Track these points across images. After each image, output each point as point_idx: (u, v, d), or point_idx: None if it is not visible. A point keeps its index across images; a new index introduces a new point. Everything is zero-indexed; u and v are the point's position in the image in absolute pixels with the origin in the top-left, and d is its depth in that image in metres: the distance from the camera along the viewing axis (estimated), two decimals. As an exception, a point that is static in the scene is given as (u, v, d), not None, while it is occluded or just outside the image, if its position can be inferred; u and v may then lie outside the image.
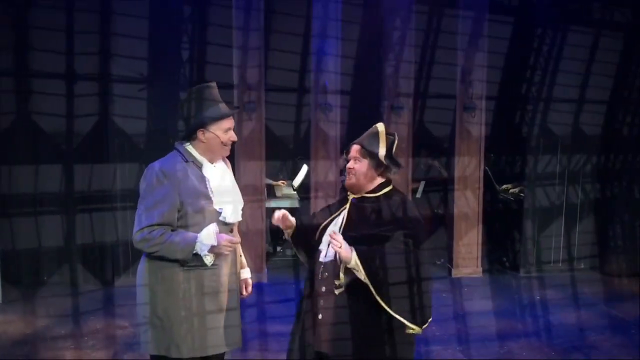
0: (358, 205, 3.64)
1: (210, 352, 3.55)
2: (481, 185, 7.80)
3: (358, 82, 8.06)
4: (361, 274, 3.41)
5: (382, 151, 3.60)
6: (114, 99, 7.05)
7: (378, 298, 3.40)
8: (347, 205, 3.67)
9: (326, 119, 7.43)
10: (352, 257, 3.40)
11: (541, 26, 7.88)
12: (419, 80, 8.24)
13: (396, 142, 3.67)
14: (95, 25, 6.96)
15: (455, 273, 7.78)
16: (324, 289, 3.58)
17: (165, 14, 7.02)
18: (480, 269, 7.84)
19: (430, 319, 3.56)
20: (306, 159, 7.93)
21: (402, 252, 3.45)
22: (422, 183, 8.37)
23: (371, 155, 3.60)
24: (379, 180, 3.65)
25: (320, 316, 3.58)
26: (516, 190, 8.44)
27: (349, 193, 3.71)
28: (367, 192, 3.64)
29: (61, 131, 7.05)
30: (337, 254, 3.46)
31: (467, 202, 7.73)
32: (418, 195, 8.35)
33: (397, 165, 3.66)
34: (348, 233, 3.52)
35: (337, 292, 3.53)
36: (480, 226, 7.78)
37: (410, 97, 7.62)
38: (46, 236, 7.16)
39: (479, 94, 7.65)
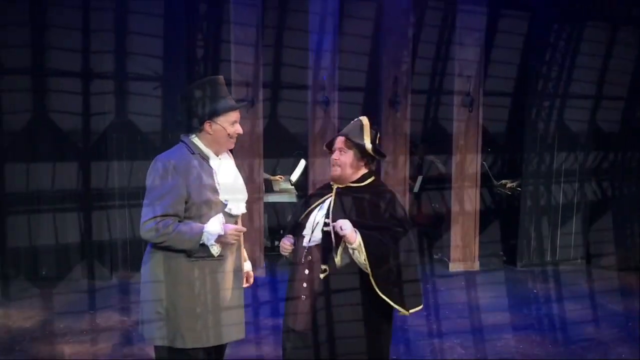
0: (344, 194, 3.72)
1: (214, 342, 3.56)
2: (479, 180, 7.81)
3: (356, 77, 8.07)
4: (361, 256, 3.49)
5: (367, 143, 3.70)
6: (129, 97, 7.08)
7: (372, 279, 3.49)
8: (332, 194, 3.75)
9: (324, 115, 7.44)
10: (357, 238, 3.49)
11: (540, 21, 7.87)
12: (417, 75, 8.26)
13: (379, 134, 3.80)
14: (109, 23, 6.98)
15: (453, 267, 7.79)
16: (307, 272, 3.66)
17: (174, 12, 7.03)
18: (477, 263, 7.85)
19: (421, 306, 3.68)
20: (304, 154, 7.95)
21: (398, 240, 3.56)
22: (420, 178, 8.39)
23: (357, 146, 3.70)
24: (363, 170, 3.76)
25: (303, 297, 3.66)
26: (513, 184, 8.47)
27: (332, 183, 3.81)
28: (352, 182, 3.75)
29: (77, 129, 7.06)
30: (334, 235, 3.53)
31: (464, 197, 7.73)
32: (415, 190, 8.37)
33: (382, 155, 3.84)
34: (337, 219, 3.59)
35: (321, 276, 3.61)
36: (478, 221, 7.79)
37: (408, 92, 7.64)
38: (45, 233, 7.16)
39: (477, 89, 7.67)
